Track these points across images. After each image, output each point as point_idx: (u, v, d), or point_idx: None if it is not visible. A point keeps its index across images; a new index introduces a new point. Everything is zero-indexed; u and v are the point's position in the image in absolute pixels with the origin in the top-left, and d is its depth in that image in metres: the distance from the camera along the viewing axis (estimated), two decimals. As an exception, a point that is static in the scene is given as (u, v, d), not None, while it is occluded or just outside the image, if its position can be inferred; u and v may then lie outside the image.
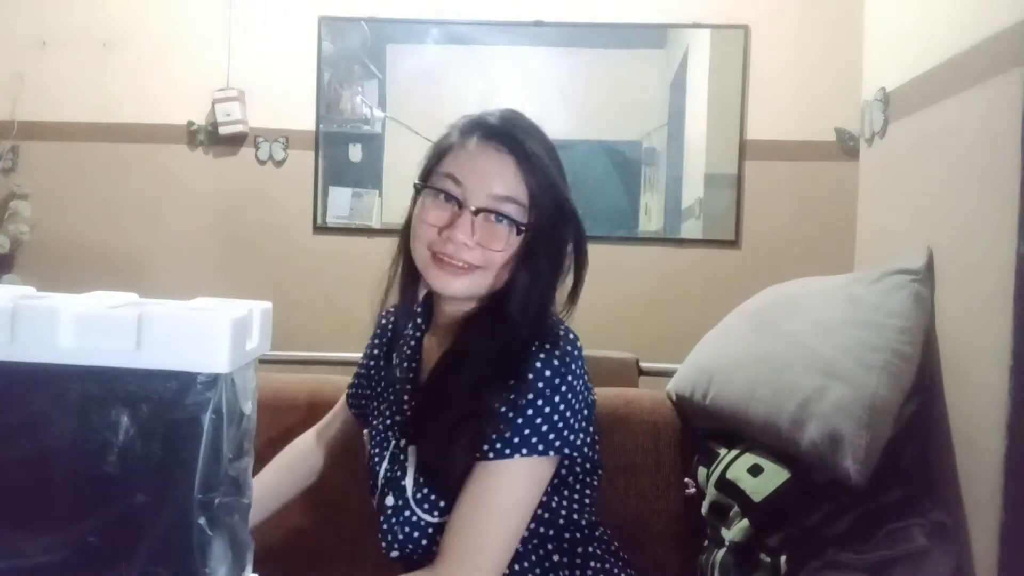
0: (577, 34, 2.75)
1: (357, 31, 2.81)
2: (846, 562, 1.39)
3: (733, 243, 2.69)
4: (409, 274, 1.15)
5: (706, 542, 1.57)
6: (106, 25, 2.82)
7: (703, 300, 2.21)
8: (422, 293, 1.18)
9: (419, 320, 1.18)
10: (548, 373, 1.01)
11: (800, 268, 2.02)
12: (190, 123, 2.82)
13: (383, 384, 1.21)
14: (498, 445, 0.98)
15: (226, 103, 2.76)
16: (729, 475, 1.56)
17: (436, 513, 1.03)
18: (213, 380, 0.84)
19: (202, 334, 0.84)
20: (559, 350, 1.03)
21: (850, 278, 1.72)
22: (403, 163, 2.80)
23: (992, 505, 1.33)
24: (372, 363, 1.29)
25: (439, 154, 1.10)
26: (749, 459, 1.57)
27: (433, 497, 1.03)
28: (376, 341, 1.30)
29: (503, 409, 0.99)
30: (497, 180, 1.03)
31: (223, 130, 2.77)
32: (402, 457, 1.08)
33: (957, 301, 1.53)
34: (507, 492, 0.99)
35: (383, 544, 1.07)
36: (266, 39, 2.81)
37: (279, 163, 2.83)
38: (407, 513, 1.04)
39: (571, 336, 1.08)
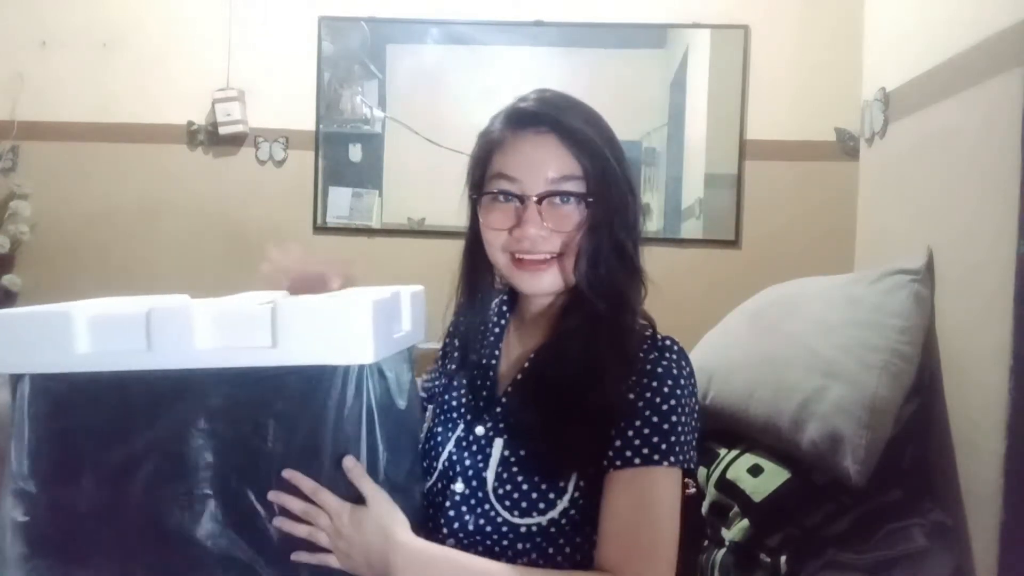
0: (577, 34, 2.75)
1: (357, 31, 2.81)
2: (846, 562, 1.39)
3: (733, 243, 2.69)
4: (472, 283, 1.12)
5: (706, 542, 1.57)
6: (106, 25, 2.82)
7: (703, 300, 2.20)
8: (494, 298, 1.16)
9: (499, 318, 1.15)
10: (682, 381, 0.99)
11: (800, 268, 2.02)
12: (190, 123, 2.82)
13: (452, 365, 1.17)
14: (645, 451, 0.95)
15: (226, 103, 2.76)
16: (729, 475, 1.56)
17: (517, 513, 0.99)
18: (357, 373, 0.80)
19: (340, 323, 0.79)
20: (676, 355, 1.02)
21: (850, 278, 1.72)
22: (403, 163, 2.80)
23: (992, 505, 1.33)
24: (445, 360, 1.24)
25: (483, 158, 1.07)
26: (749, 459, 1.57)
27: (516, 496, 0.99)
28: (448, 341, 1.25)
29: (646, 412, 0.96)
30: (548, 163, 1.01)
31: (223, 130, 2.77)
32: (482, 446, 1.04)
33: (957, 301, 1.53)
34: (667, 497, 0.96)
35: (440, 527, 1.03)
36: (266, 39, 2.80)
37: (279, 163, 2.83)
38: (486, 507, 1.01)
39: (677, 346, 1.05)
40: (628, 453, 0.95)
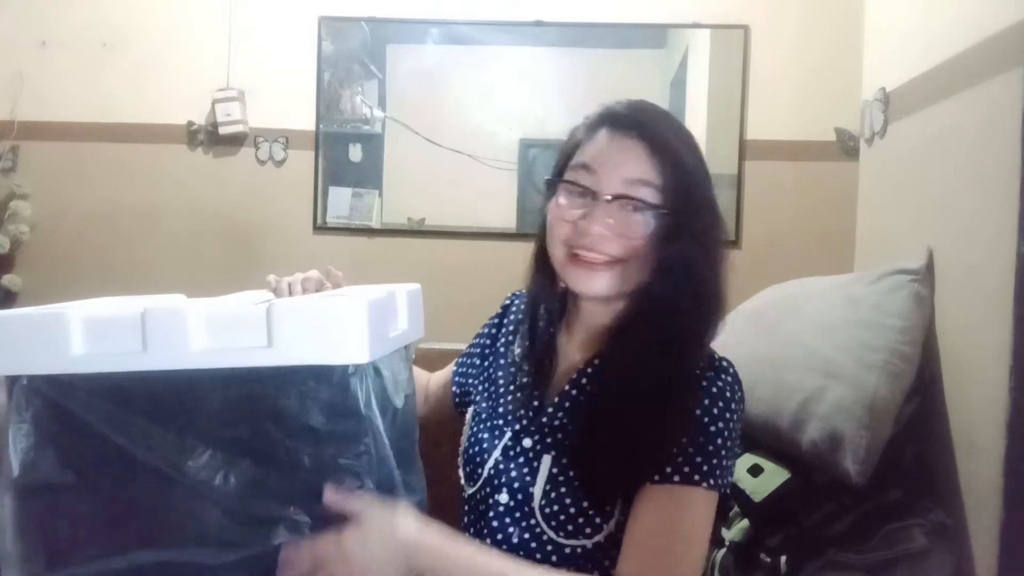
0: (577, 34, 2.75)
1: (357, 31, 2.80)
2: (846, 562, 1.39)
3: (733, 243, 2.69)
4: (543, 273, 1.09)
5: (706, 542, 1.57)
6: (106, 25, 2.82)
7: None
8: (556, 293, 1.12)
9: (549, 322, 1.11)
10: (732, 405, 0.97)
11: (800, 268, 2.02)
12: (190, 123, 2.82)
13: (497, 369, 1.15)
14: (686, 469, 0.92)
15: (226, 103, 2.76)
16: (729, 475, 1.56)
17: (562, 534, 0.97)
18: (352, 372, 0.79)
19: (335, 323, 0.78)
20: (731, 378, 1.00)
21: (850, 278, 1.72)
22: (403, 163, 2.79)
23: (992, 505, 1.33)
24: (488, 343, 1.23)
25: (569, 151, 1.05)
26: (749, 459, 1.57)
27: (563, 517, 0.97)
28: (496, 321, 1.24)
29: (693, 431, 0.94)
30: (630, 164, 0.98)
31: (223, 130, 2.76)
32: (529, 459, 1.02)
33: (957, 301, 1.53)
34: (700, 519, 0.94)
35: (483, 537, 1.01)
36: (266, 39, 2.80)
37: (279, 163, 2.83)
38: (531, 522, 0.99)
39: (732, 369, 1.03)
40: (668, 469, 0.93)
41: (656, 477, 0.93)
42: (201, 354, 0.78)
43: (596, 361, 1.05)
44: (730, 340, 1.78)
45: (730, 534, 1.52)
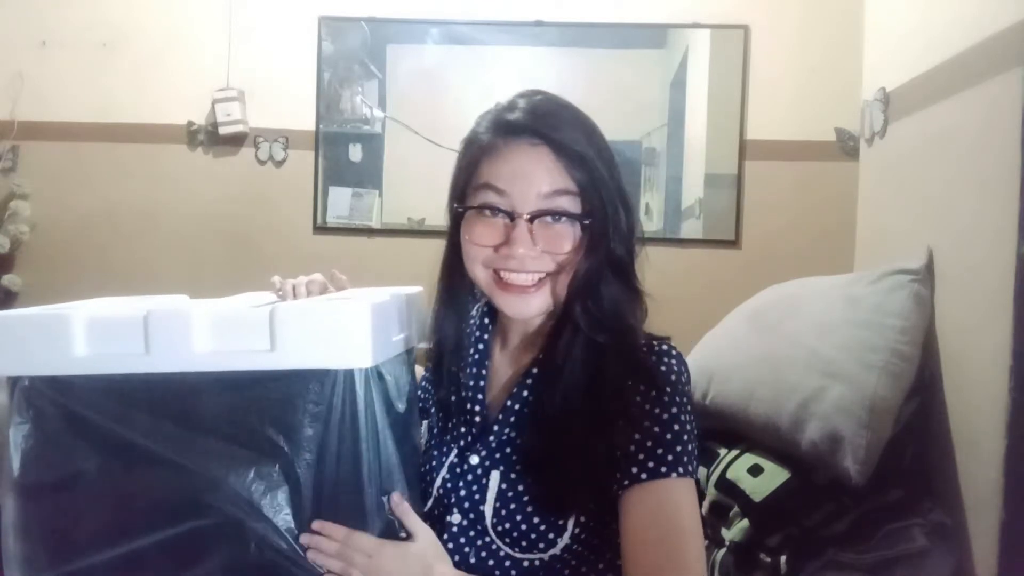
0: (577, 34, 2.75)
1: (357, 31, 2.80)
2: (846, 562, 1.39)
3: (733, 243, 2.69)
4: (451, 293, 1.04)
5: (706, 542, 1.57)
6: (106, 25, 2.82)
7: (703, 300, 2.20)
8: (473, 306, 1.09)
9: (480, 331, 1.07)
10: (679, 387, 0.94)
11: (800, 268, 2.02)
12: (190, 123, 2.82)
13: (441, 388, 1.10)
14: (651, 464, 0.90)
15: (226, 103, 2.76)
16: (729, 475, 1.56)
17: (518, 549, 0.95)
18: (355, 376, 0.78)
19: (338, 326, 0.78)
20: (674, 360, 0.97)
21: (850, 278, 1.72)
22: (403, 163, 2.79)
23: (992, 505, 1.33)
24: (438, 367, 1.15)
25: (469, 166, 0.99)
26: (749, 459, 1.57)
27: (516, 533, 0.94)
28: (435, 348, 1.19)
29: (646, 423, 0.91)
30: (541, 177, 0.93)
31: (223, 130, 2.76)
32: (478, 476, 0.99)
33: (957, 301, 1.53)
34: (684, 508, 0.90)
35: None
36: (266, 39, 2.80)
37: (279, 163, 2.83)
38: (486, 539, 0.96)
39: (675, 351, 0.99)
40: (634, 470, 0.90)
41: (626, 482, 0.90)
42: (204, 356, 0.78)
43: (534, 370, 1.01)
44: (730, 340, 1.79)
45: (730, 534, 1.52)
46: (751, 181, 2.68)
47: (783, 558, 1.43)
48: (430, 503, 1.03)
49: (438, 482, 1.02)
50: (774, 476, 1.51)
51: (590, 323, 0.95)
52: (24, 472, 0.82)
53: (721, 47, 2.68)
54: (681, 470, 0.91)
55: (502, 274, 0.96)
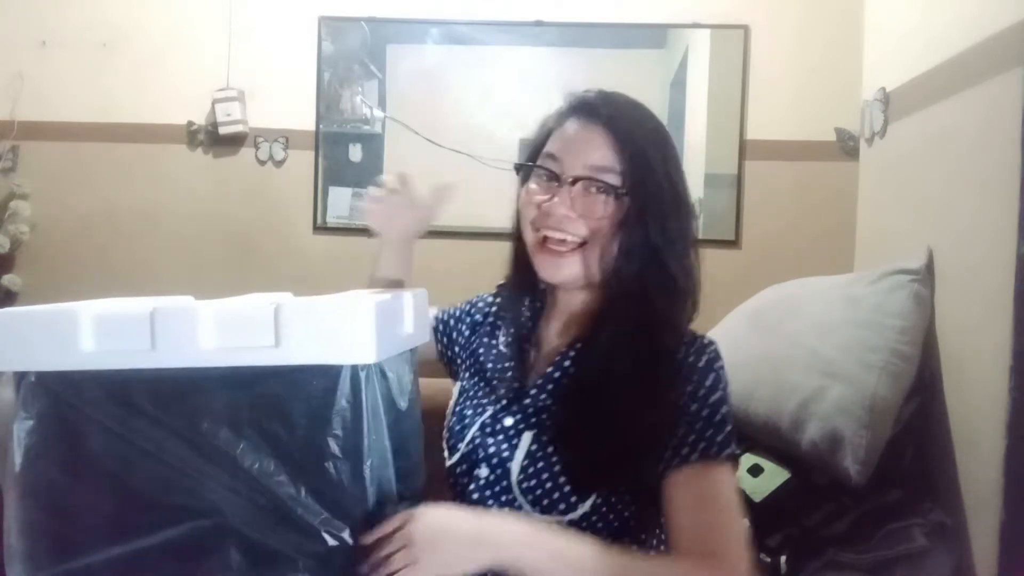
0: (577, 34, 2.75)
1: (357, 31, 2.80)
2: (846, 562, 1.39)
3: (733, 243, 2.69)
4: (522, 268, 1.13)
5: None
6: (106, 25, 2.82)
7: (703, 300, 2.20)
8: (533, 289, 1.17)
9: (532, 303, 1.16)
10: (723, 376, 1.01)
11: (800, 268, 2.02)
12: (190, 123, 2.82)
13: (481, 348, 1.19)
14: (702, 446, 0.96)
15: (226, 103, 2.76)
16: (729, 475, 1.56)
17: (538, 508, 0.99)
18: (359, 372, 0.79)
19: (342, 323, 0.79)
20: (714, 354, 1.03)
21: (850, 278, 1.72)
22: (403, 163, 2.79)
23: (992, 505, 1.33)
24: (472, 310, 1.26)
25: (540, 140, 1.11)
26: (749, 459, 1.57)
27: (539, 491, 1.00)
28: (480, 304, 1.27)
29: (695, 408, 0.98)
30: (593, 151, 1.03)
31: (223, 130, 2.76)
32: (509, 436, 1.04)
33: (957, 301, 1.53)
34: (731, 489, 0.97)
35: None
36: (266, 39, 2.80)
37: (279, 163, 2.83)
38: (510, 496, 1.01)
39: (714, 346, 1.05)
40: (685, 451, 0.96)
41: (676, 461, 0.96)
42: (209, 353, 0.79)
43: (578, 345, 1.08)
44: (730, 340, 1.79)
45: (730, 534, 1.52)
46: (751, 181, 2.68)
47: (783, 558, 1.43)
48: (457, 457, 1.08)
49: (467, 437, 1.08)
50: (774, 476, 1.51)
51: (630, 305, 1.02)
52: (27, 468, 0.82)
53: (721, 47, 2.68)
54: (728, 452, 0.97)
55: (544, 234, 1.05)
